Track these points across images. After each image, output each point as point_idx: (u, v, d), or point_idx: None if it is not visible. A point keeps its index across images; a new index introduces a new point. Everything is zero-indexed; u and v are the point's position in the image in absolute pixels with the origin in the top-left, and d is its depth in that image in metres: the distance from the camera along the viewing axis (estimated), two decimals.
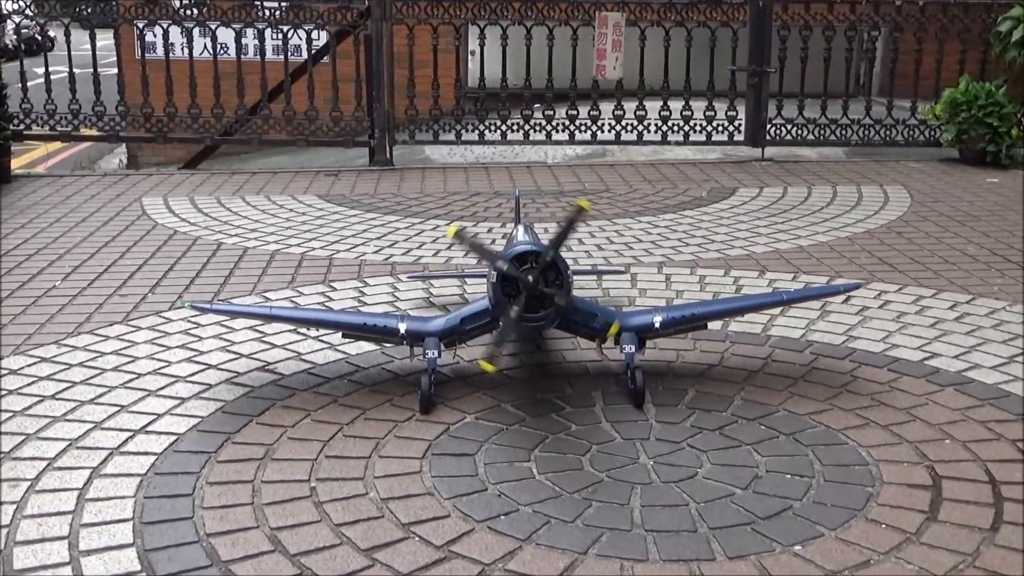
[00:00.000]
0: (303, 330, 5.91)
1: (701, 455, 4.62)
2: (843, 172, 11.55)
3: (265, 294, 6.82)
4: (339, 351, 5.79)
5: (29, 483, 4.24)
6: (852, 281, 6.63)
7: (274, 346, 5.87)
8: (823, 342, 5.93)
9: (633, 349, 5.33)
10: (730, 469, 4.46)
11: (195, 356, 5.70)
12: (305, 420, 4.92)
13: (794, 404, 5.13)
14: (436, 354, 5.05)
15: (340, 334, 5.48)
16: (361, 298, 6.77)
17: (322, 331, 5.68)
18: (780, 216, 9.11)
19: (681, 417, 5.00)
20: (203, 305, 5.73)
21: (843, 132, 12.53)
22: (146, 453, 4.57)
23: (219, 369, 5.52)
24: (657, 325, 5.42)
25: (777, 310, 6.25)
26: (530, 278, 4.89)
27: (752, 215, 9.13)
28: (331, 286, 6.99)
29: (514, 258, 4.76)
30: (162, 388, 5.27)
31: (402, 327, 5.12)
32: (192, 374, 5.44)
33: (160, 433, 4.78)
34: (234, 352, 5.77)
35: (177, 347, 5.81)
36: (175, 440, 4.71)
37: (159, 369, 5.50)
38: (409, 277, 7.05)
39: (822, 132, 12.51)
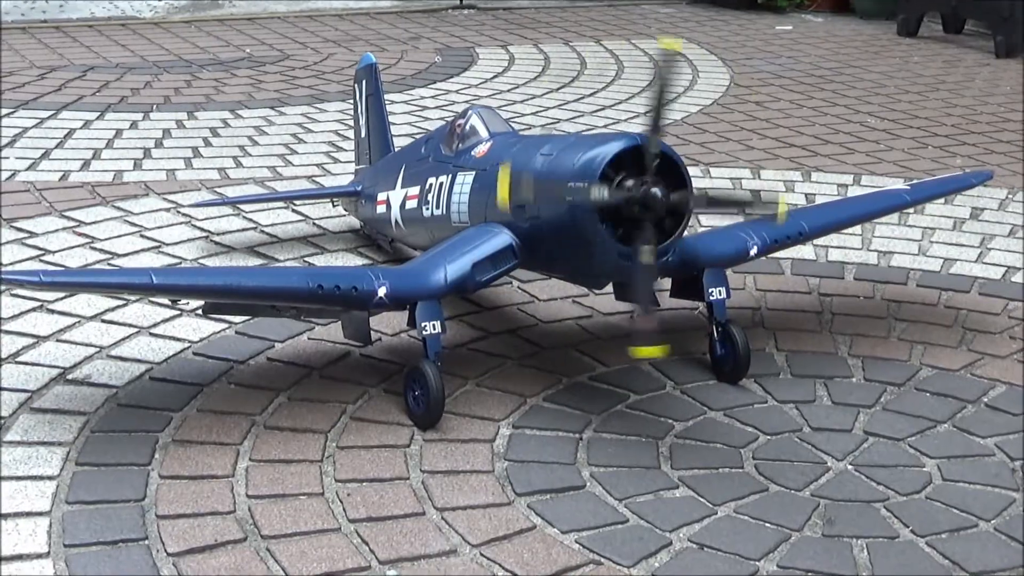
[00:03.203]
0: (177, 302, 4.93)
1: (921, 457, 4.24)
2: (571, 23, 11.33)
3: None
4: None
5: None
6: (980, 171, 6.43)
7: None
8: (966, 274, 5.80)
9: (724, 294, 4.58)
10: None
11: None
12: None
13: (1002, 371, 4.84)
14: (440, 328, 4.29)
15: (256, 311, 4.52)
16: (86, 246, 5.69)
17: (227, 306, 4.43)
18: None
19: (862, 396, 4.60)
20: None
21: None
22: None
23: None
24: (753, 253, 4.71)
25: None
26: (656, 191, 3.97)
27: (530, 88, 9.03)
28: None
29: (608, 166, 4.03)
30: None
31: (382, 289, 4.09)
32: None
33: None
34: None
35: None
36: None
37: None
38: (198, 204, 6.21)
39: None
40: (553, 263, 4.49)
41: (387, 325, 4.83)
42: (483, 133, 4.82)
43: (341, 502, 3.79)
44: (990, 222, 6.38)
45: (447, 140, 4.94)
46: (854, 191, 6.75)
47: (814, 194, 6.72)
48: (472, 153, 4.74)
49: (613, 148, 4.08)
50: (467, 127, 4.87)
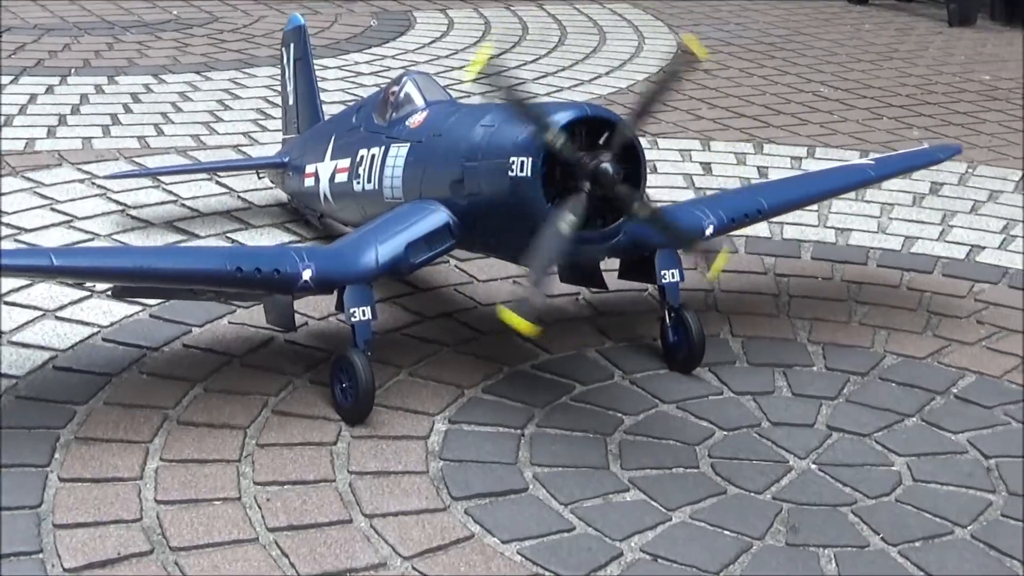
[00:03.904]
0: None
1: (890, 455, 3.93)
2: None
3: None
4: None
5: None
6: (947, 145, 6.20)
7: None
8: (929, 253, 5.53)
9: (678, 277, 4.29)
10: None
11: None
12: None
13: (971, 359, 4.56)
14: (371, 314, 3.98)
15: (171, 293, 4.16)
16: None
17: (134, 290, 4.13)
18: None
19: (824, 387, 4.29)
20: None
21: None
22: None
23: None
24: (709, 233, 4.40)
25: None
26: (607, 166, 3.65)
27: (470, 54, 8.64)
28: None
29: (565, 128, 3.55)
30: None
31: (307, 272, 3.77)
32: None
33: None
34: None
35: None
36: None
37: None
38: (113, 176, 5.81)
39: None
40: (494, 243, 4.16)
41: (314, 308, 4.50)
42: (419, 101, 4.48)
43: (259, 508, 3.45)
44: (951, 197, 6.11)
45: (380, 109, 4.59)
46: (808, 164, 6.46)
47: (767, 167, 6.43)
48: (407, 123, 4.41)
49: (557, 121, 3.76)
50: (402, 95, 4.53)
